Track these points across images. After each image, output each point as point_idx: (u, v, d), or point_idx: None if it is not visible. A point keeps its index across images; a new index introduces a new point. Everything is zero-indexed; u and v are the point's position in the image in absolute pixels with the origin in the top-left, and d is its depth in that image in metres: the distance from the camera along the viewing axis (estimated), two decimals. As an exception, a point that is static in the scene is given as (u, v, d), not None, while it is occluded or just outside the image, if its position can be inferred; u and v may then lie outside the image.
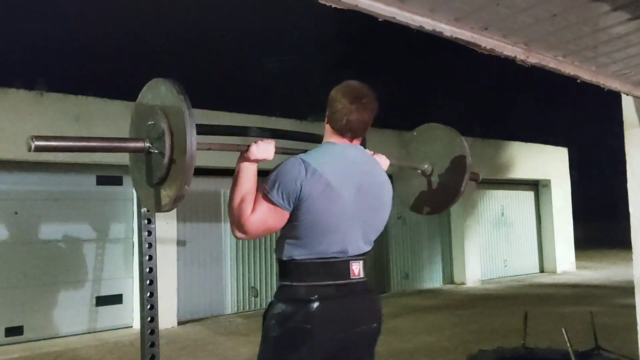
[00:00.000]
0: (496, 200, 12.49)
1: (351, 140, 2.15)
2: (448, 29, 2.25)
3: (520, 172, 12.45)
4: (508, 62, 2.64)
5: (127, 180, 7.15)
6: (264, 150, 2.09)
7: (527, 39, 2.52)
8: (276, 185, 2.00)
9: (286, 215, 2.02)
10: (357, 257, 2.12)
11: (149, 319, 2.18)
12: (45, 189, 6.83)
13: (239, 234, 2.05)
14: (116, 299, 7.21)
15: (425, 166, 2.68)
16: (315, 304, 2.00)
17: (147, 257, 2.20)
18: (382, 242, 10.22)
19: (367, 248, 2.18)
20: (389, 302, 9.14)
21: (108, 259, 7.20)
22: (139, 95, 2.13)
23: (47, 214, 6.81)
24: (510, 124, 21.95)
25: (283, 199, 1.99)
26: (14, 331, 6.45)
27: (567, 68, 2.80)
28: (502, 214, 12.56)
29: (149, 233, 2.21)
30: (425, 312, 8.20)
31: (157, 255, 2.22)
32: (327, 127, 2.17)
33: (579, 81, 2.95)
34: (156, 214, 2.15)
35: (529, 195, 13.33)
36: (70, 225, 6.97)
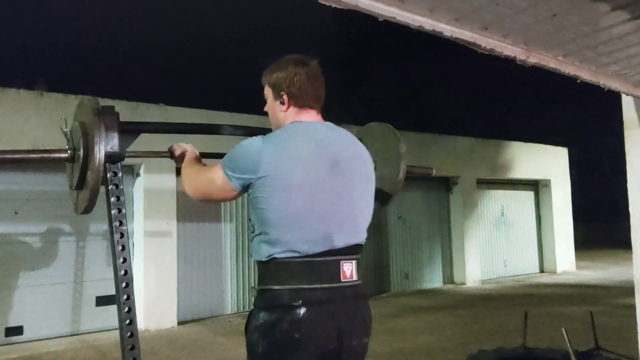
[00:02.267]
0: (496, 200, 12.49)
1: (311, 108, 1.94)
2: (448, 29, 2.25)
3: (520, 172, 12.46)
4: (508, 62, 2.64)
5: (127, 180, 7.15)
6: (183, 149, 2.26)
7: (527, 39, 2.51)
8: (229, 156, 1.89)
9: (229, 187, 1.85)
10: (348, 256, 1.85)
11: (127, 321, 2.15)
12: (46, 189, 6.82)
13: (186, 187, 2.05)
14: (116, 299, 7.21)
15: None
16: (302, 310, 1.74)
17: (121, 260, 2.19)
18: (382, 242, 10.22)
19: (358, 239, 1.90)
20: (389, 302, 9.14)
21: (108, 259, 7.20)
22: (75, 109, 2.35)
23: (48, 214, 6.82)
24: (510, 124, 21.93)
25: (232, 170, 1.84)
26: (14, 331, 6.45)
27: (567, 68, 2.80)
28: (502, 214, 12.56)
29: (121, 235, 2.20)
30: (425, 312, 8.20)
31: (131, 258, 2.24)
32: (284, 113, 1.95)
33: (579, 81, 2.95)
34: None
35: (529, 195, 13.34)
36: (70, 225, 6.97)
